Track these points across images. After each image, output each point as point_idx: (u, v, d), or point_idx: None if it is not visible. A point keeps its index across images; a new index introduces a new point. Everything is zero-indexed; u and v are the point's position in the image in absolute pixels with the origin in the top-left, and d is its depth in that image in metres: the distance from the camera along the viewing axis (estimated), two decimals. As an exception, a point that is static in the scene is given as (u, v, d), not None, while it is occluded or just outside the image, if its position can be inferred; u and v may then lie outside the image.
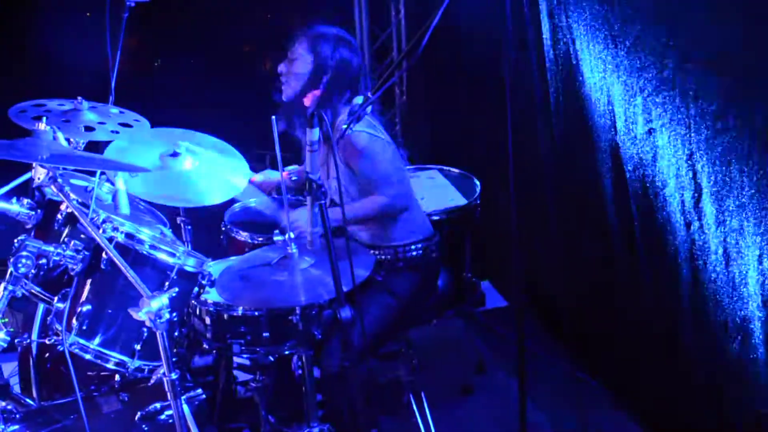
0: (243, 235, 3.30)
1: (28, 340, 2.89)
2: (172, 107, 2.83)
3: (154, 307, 1.94)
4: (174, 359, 2.11)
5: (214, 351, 3.12)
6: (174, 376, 2.04)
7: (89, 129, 2.70)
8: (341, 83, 2.85)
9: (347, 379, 2.73)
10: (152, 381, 2.38)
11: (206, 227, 3.50)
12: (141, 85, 5.41)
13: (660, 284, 3.04)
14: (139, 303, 1.96)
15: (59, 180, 2.23)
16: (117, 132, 2.72)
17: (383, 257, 2.98)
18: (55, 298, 2.46)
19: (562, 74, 3.37)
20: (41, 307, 2.85)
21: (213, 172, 3.04)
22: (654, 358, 3.20)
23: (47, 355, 2.95)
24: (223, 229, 3.41)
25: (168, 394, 2.10)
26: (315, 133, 2.12)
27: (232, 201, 3.28)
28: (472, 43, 4.34)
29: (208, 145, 3.09)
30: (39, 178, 2.24)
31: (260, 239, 3.26)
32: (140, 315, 1.94)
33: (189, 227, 3.34)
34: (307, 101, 2.86)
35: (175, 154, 3.06)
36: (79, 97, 2.82)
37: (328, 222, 2.08)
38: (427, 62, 2.48)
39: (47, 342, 2.88)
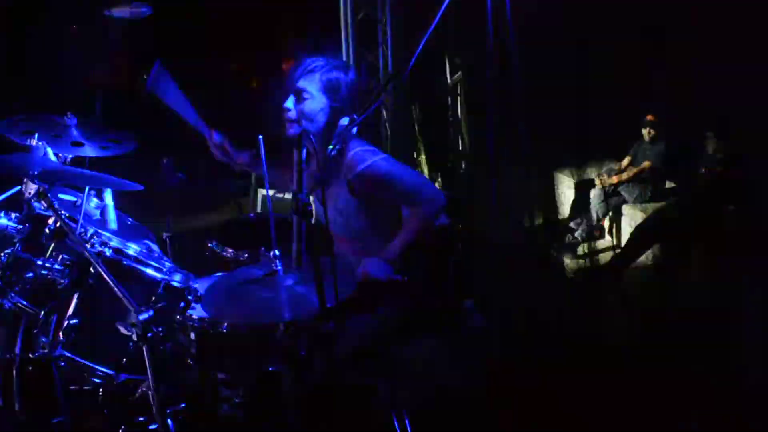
0: (228, 252, 3.32)
1: (10, 355, 2.89)
2: (158, 125, 2.84)
3: (140, 321, 1.96)
4: (159, 374, 2.13)
5: (198, 366, 3.13)
6: (159, 390, 2.06)
7: (77, 144, 2.73)
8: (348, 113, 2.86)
9: (330, 396, 2.75)
10: (137, 395, 2.40)
11: (192, 243, 3.53)
12: (127, 102, 5.45)
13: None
14: (127, 317, 1.98)
15: (49, 195, 2.25)
16: (106, 147, 2.77)
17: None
18: (42, 312, 2.47)
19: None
20: (24, 320, 2.87)
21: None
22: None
23: (30, 369, 2.95)
24: (209, 245, 3.44)
25: (153, 408, 2.13)
26: (302, 153, 2.16)
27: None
28: (456, 65, 4.42)
29: None
30: (30, 193, 2.26)
31: (245, 256, 3.29)
32: (127, 329, 1.96)
33: (175, 243, 3.38)
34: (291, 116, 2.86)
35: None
36: (69, 113, 2.85)
37: (313, 238, 2.12)
38: (412, 83, 2.52)
39: (30, 356, 2.89)
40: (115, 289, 2.04)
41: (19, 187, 2.76)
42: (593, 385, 3.43)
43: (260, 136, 2.31)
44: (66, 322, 2.41)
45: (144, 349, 1.99)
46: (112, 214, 2.69)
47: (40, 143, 2.27)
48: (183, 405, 2.52)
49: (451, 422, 3.64)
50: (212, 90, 6.63)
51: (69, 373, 2.42)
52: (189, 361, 2.87)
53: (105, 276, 2.07)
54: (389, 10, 5.35)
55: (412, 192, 2.88)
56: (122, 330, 1.97)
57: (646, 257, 4.51)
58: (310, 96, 2.83)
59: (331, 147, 2.39)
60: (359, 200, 2.87)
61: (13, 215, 2.62)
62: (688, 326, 3.38)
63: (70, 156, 2.79)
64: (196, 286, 2.54)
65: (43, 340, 2.41)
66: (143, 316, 1.96)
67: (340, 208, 2.85)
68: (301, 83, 2.83)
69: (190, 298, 2.51)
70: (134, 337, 1.97)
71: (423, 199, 2.89)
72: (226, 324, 2.76)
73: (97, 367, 2.41)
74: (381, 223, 2.99)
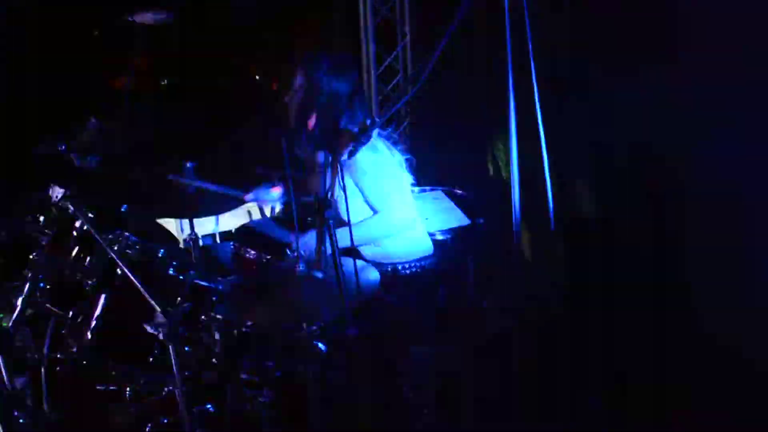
0: (251, 254, 3.36)
1: (38, 355, 2.95)
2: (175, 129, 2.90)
3: (167, 321, 1.99)
4: (185, 373, 2.16)
5: (222, 366, 3.17)
6: (185, 389, 2.10)
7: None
8: (336, 107, 2.93)
9: (352, 394, 2.78)
10: (163, 394, 2.44)
11: (213, 245, 3.57)
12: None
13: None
14: (153, 317, 2.02)
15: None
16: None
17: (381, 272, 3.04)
18: (69, 313, 2.52)
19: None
20: (51, 321, 2.92)
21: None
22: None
23: (58, 369, 3.01)
24: (232, 246, 3.47)
25: (179, 407, 2.17)
26: (321, 155, 2.19)
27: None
28: (474, 67, 4.43)
29: None
30: (57, 196, 2.30)
31: (268, 257, 3.32)
32: (154, 329, 1.99)
33: (198, 245, 3.41)
34: (310, 124, 2.93)
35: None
36: (92, 118, 2.90)
37: (335, 241, 2.14)
38: (432, 85, 2.55)
39: (58, 356, 2.95)
40: (141, 289, 2.07)
41: (46, 191, 2.83)
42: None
43: (282, 137, 2.34)
44: (93, 323, 2.44)
45: (170, 348, 2.02)
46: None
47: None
48: (208, 405, 2.54)
49: (474, 424, 3.65)
50: (229, 95, 6.69)
51: (96, 373, 2.46)
52: (213, 360, 2.91)
53: (131, 277, 2.11)
54: (408, 13, 5.36)
55: (377, 198, 2.97)
56: (149, 330, 2.00)
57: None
58: (297, 86, 2.92)
59: (352, 149, 2.42)
60: (355, 185, 2.93)
61: (40, 218, 2.67)
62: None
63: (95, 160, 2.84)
64: (221, 286, 2.57)
65: (71, 340, 2.45)
66: (169, 317, 1.99)
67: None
68: (293, 77, 2.94)
69: (214, 298, 2.54)
70: (161, 337, 2.00)
71: (385, 211, 2.96)
72: (249, 324, 2.80)
73: (123, 366, 2.43)
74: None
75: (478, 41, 4.05)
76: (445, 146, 4.56)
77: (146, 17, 3.37)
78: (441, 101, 4.72)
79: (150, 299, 2.04)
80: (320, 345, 2.70)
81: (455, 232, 3.46)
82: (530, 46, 3.21)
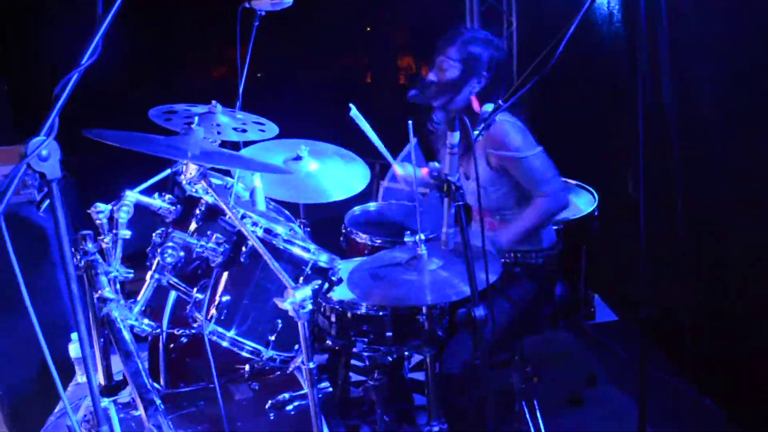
0: (363, 237, 3.39)
1: (158, 330, 3.04)
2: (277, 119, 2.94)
3: (298, 297, 2.01)
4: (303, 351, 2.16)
5: (335, 348, 3.22)
6: (312, 365, 2.11)
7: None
8: (491, 86, 2.90)
9: (467, 381, 2.77)
10: (290, 369, 2.47)
11: (325, 229, 3.61)
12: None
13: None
14: (284, 294, 2.04)
15: (207, 176, 2.35)
16: (244, 131, 2.87)
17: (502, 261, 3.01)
18: (194, 289, 2.58)
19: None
20: (171, 297, 3.00)
21: (334, 173, 3.20)
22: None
23: (174, 344, 3.10)
24: (343, 231, 3.51)
25: (305, 383, 2.19)
26: (455, 136, 2.18)
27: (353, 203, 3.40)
28: (587, 51, 4.34)
29: (325, 151, 3.28)
30: (190, 174, 2.35)
31: (379, 241, 3.35)
32: (285, 305, 2.01)
33: (308, 229, 3.46)
34: (475, 105, 2.91)
35: (298, 158, 3.22)
36: (214, 101, 2.96)
37: (464, 223, 2.13)
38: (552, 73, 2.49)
39: (176, 332, 3.03)
40: (273, 266, 2.10)
41: (169, 169, 2.90)
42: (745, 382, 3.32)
43: (410, 121, 2.34)
44: (218, 299, 2.49)
45: (300, 324, 2.03)
46: (261, 196, 2.78)
47: (199, 127, 2.36)
48: (326, 383, 2.56)
49: (580, 416, 3.61)
50: (326, 83, 6.74)
51: (219, 348, 2.50)
52: (328, 342, 2.94)
53: (263, 253, 2.14)
54: (515, 1, 5.31)
55: (537, 180, 2.87)
56: (279, 305, 2.02)
57: None
58: (449, 67, 2.89)
59: (477, 132, 2.39)
60: (496, 174, 2.89)
61: (167, 197, 2.74)
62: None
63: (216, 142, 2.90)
64: (340, 267, 2.58)
65: (198, 315, 2.50)
66: (301, 293, 2.01)
67: (480, 181, 2.88)
68: (442, 54, 2.90)
69: (334, 279, 2.56)
70: (291, 314, 2.02)
71: (546, 191, 2.87)
72: (364, 306, 2.82)
73: (246, 341, 2.47)
74: (517, 203, 2.98)
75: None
76: (559, 134, 4.50)
77: (264, 2, 3.41)
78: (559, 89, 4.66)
79: (281, 276, 2.07)
80: (439, 331, 2.69)
81: (569, 223, 3.41)
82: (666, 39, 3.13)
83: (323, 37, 6.68)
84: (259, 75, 3.66)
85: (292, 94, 6.30)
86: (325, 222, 3.77)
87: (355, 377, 3.48)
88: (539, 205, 2.90)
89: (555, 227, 3.28)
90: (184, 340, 3.13)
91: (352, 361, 3.43)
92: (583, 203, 3.62)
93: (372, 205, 3.64)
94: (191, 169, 2.34)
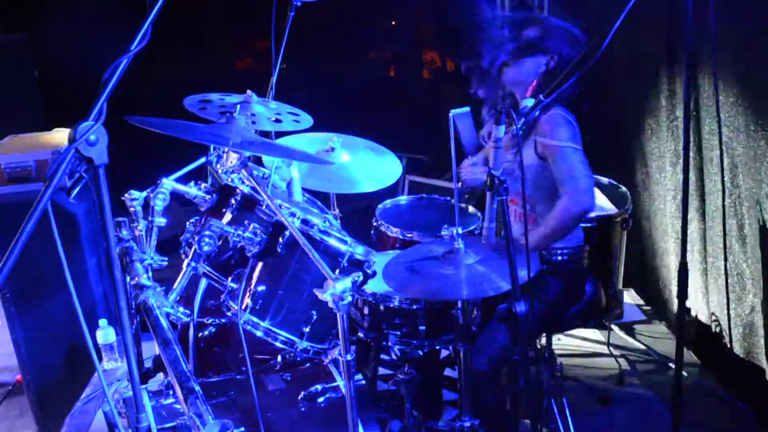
0: (394, 231, 3.38)
1: (188, 319, 3.04)
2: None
3: (338, 289, 2.00)
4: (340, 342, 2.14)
5: (365, 341, 3.20)
6: (349, 357, 2.10)
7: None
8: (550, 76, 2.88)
9: (495, 377, 2.76)
10: (326, 361, 2.47)
11: (356, 222, 3.60)
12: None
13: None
14: (324, 285, 2.03)
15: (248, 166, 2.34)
16: (279, 122, 2.86)
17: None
18: (229, 278, 2.57)
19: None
20: (201, 286, 3.00)
21: (365, 164, 3.20)
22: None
23: (203, 334, 3.10)
24: (374, 224, 3.50)
25: (341, 375, 2.18)
26: (501, 130, 2.16)
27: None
28: (626, 50, 4.31)
29: (356, 143, 3.30)
30: (231, 162, 2.34)
31: (410, 235, 3.33)
32: (325, 296, 2.00)
33: (340, 221, 3.45)
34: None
35: (330, 150, 3.21)
36: (249, 91, 2.95)
37: (507, 217, 2.11)
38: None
39: (206, 321, 3.03)
40: (313, 256, 2.09)
41: (204, 157, 2.90)
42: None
43: (451, 114, 2.32)
44: (253, 289, 2.48)
45: (339, 316, 2.02)
46: (298, 187, 2.78)
47: (241, 116, 2.36)
48: (359, 375, 2.56)
49: (608, 415, 3.58)
50: (351, 77, 6.73)
51: (253, 338, 2.50)
52: (360, 334, 2.93)
53: (303, 244, 2.13)
54: (547, -1, 5.26)
55: (567, 175, 2.82)
56: (320, 296, 2.01)
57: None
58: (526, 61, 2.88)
59: (518, 127, 2.36)
60: (539, 164, 2.86)
61: (203, 185, 2.74)
62: None
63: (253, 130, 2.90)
64: (375, 260, 2.57)
65: (232, 304, 2.50)
66: (341, 284, 1.99)
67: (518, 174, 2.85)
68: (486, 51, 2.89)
69: (369, 272, 2.55)
70: (331, 305, 2.01)
71: (572, 190, 2.81)
72: (397, 299, 2.81)
73: (280, 332, 2.47)
74: (550, 197, 2.94)
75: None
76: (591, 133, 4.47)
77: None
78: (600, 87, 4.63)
79: (321, 267, 2.06)
80: (473, 326, 2.68)
81: (601, 221, 3.39)
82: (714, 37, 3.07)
83: (347, 31, 6.67)
84: (284, 66, 3.63)
85: (316, 86, 6.29)
86: (358, 213, 3.77)
87: (381, 371, 3.46)
88: (557, 206, 2.84)
89: (587, 225, 3.25)
90: (212, 329, 3.13)
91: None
92: (617, 202, 3.59)
93: (403, 199, 3.63)
94: (232, 158, 2.33)
